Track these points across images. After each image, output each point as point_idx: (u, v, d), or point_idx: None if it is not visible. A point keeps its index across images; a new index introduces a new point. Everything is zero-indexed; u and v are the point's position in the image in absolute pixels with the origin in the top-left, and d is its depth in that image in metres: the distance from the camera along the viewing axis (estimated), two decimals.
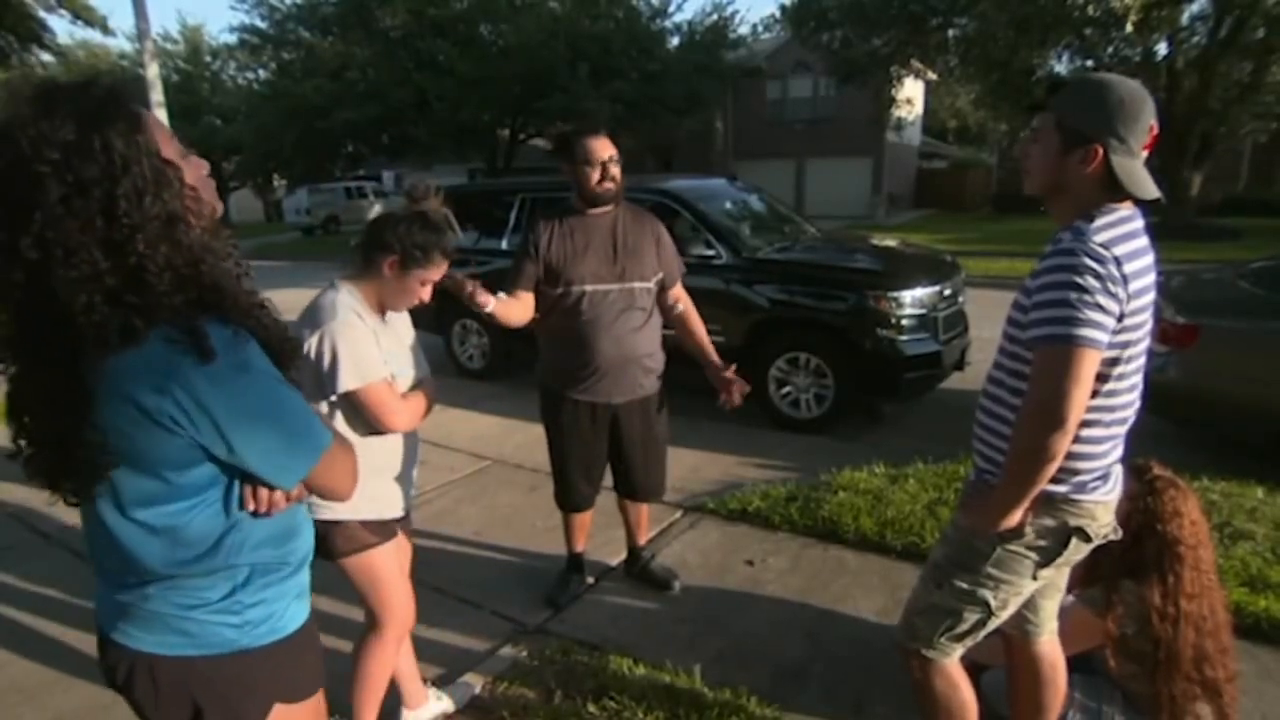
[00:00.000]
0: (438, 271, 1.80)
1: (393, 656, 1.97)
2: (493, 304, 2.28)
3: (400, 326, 1.90)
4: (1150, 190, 1.39)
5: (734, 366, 2.60)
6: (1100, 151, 1.37)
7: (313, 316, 1.71)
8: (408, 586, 1.99)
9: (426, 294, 1.82)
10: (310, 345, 1.67)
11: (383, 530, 1.87)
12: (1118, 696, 1.97)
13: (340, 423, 1.75)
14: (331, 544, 1.78)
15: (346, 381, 1.68)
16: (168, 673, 1.07)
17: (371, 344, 1.72)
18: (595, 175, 2.40)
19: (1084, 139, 1.38)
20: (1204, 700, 1.84)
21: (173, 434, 0.95)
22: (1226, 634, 1.89)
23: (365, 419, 1.75)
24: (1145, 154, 1.41)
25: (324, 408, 1.72)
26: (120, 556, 1.03)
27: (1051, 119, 1.45)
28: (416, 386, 1.88)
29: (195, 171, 1.03)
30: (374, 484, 1.80)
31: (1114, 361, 1.39)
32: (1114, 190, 1.39)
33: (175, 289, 0.94)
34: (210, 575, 1.06)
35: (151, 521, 1.01)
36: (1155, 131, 1.39)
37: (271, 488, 1.06)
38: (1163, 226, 13.52)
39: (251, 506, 1.06)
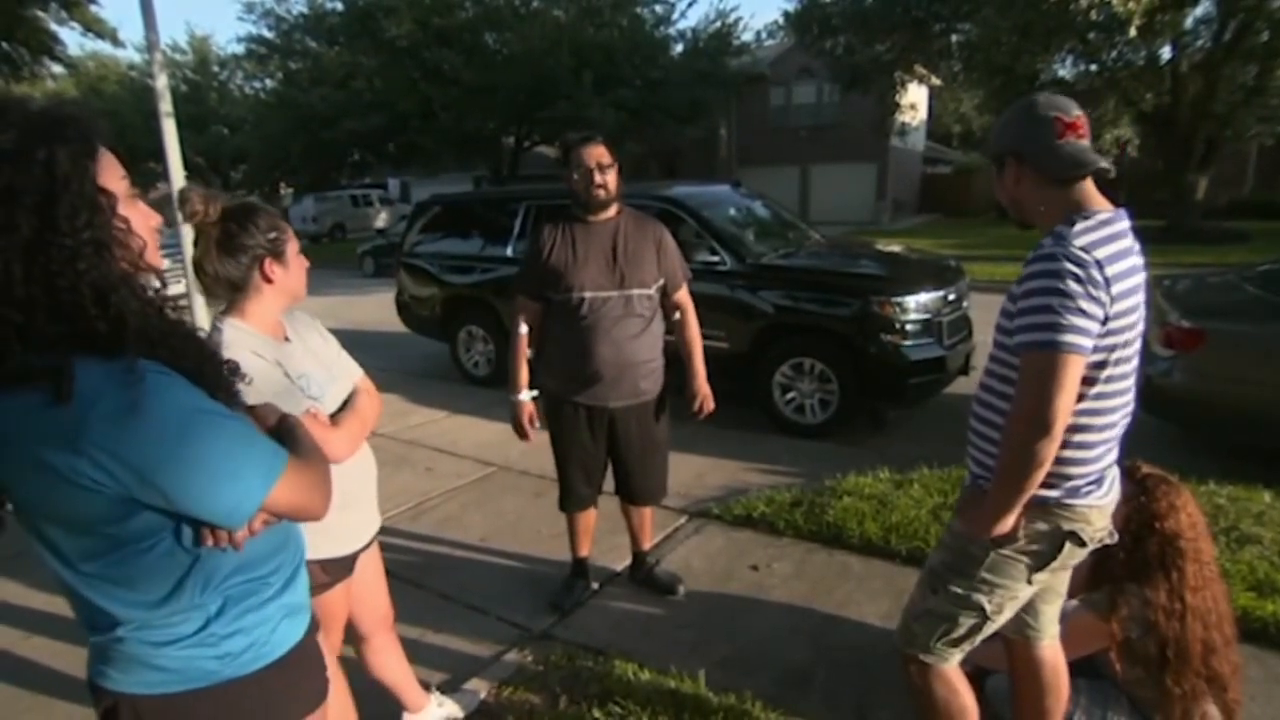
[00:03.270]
0: (292, 234, 1.65)
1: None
2: (525, 395, 2.57)
3: (311, 338, 1.72)
4: (1086, 161, 1.42)
5: (705, 396, 2.73)
6: (1014, 160, 1.48)
7: None
8: (345, 617, 1.84)
9: (301, 257, 1.66)
10: None
11: (341, 568, 1.74)
12: (1123, 701, 1.97)
13: None
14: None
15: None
16: (152, 712, 1.03)
17: (278, 379, 1.53)
18: (585, 181, 2.43)
19: (1002, 157, 1.51)
20: (1211, 695, 1.84)
21: (92, 493, 0.88)
22: (1230, 626, 1.90)
23: None
24: (1074, 139, 1.43)
25: None
26: (83, 605, 0.99)
27: (990, 155, 1.58)
28: (350, 398, 1.70)
29: (144, 221, 1.01)
30: (333, 519, 1.62)
31: (1101, 365, 1.40)
32: (1055, 183, 1.44)
33: (70, 316, 0.88)
34: (180, 614, 1.01)
35: (103, 573, 0.96)
36: (1066, 119, 1.43)
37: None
38: (1168, 230, 13.53)
39: (210, 543, 0.99)
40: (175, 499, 0.92)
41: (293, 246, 1.62)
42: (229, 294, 1.57)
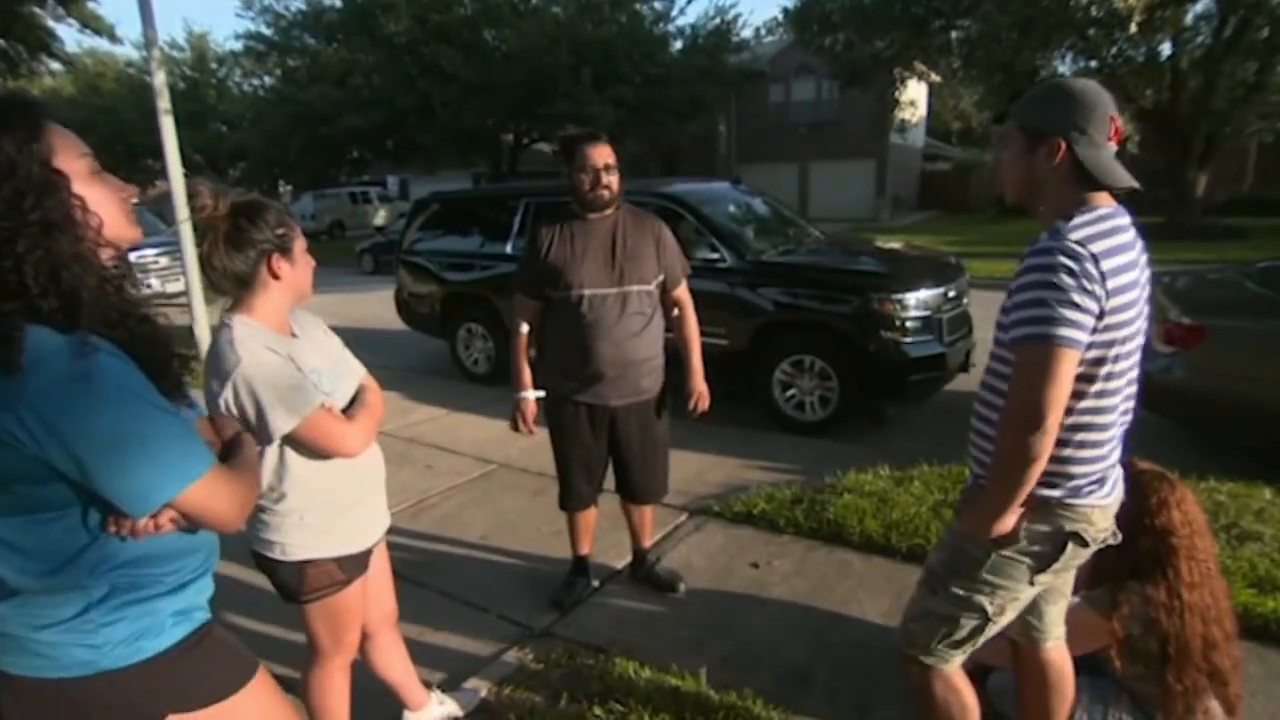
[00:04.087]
0: (300, 231, 1.65)
1: (344, 683, 1.86)
2: (531, 394, 2.58)
3: (317, 335, 1.74)
4: (1123, 178, 1.40)
5: (701, 394, 2.74)
6: (1063, 144, 1.39)
7: (215, 366, 1.50)
8: (362, 615, 1.85)
9: (308, 256, 1.67)
10: (225, 399, 1.48)
11: (356, 565, 1.75)
12: (1124, 698, 1.96)
13: (297, 464, 1.60)
14: (301, 585, 1.67)
15: (280, 424, 1.50)
16: (33, 695, 1.05)
17: (292, 373, 1.53)
18: (590, 182, 2.41)
19: (1046, 135, 1.41)
20: (1212, 691, 1.84)
21: (14, 449, 0.92)
22: (1230, 622, 1.89)
23: (316, 453, 1.60)
24: (1113, 145, 1.42)
25: (272, 455, 1.58)
26: None
27: (1015, 124, 1.48)
28: (358, 394, 1.72)
29: (109, 195, 1.04)
30: (351, 516, 1.71)
31: (1099, 362, 1.38)
32: (1086, 182, 1.40)
33: (16, 294, 0.92)
34: (63, 592, 1.02)
35: (4, 535, 0.98)
36: (1117, 123, 1.41)
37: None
38: (1168, 227, 13.52)
39: (112, 530, 1.01)
40: (90, 472, 0.94)
41: (300, 244, 1.62)
42: (236, 289, 1.57)
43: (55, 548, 1.00)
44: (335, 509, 1.67)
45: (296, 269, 1.60)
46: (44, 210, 0.93)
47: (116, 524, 1.00)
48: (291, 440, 1.56)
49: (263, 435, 1.51)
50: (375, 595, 1.93)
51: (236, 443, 1.19)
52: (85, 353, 0.92)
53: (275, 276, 1.56)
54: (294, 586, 1.68)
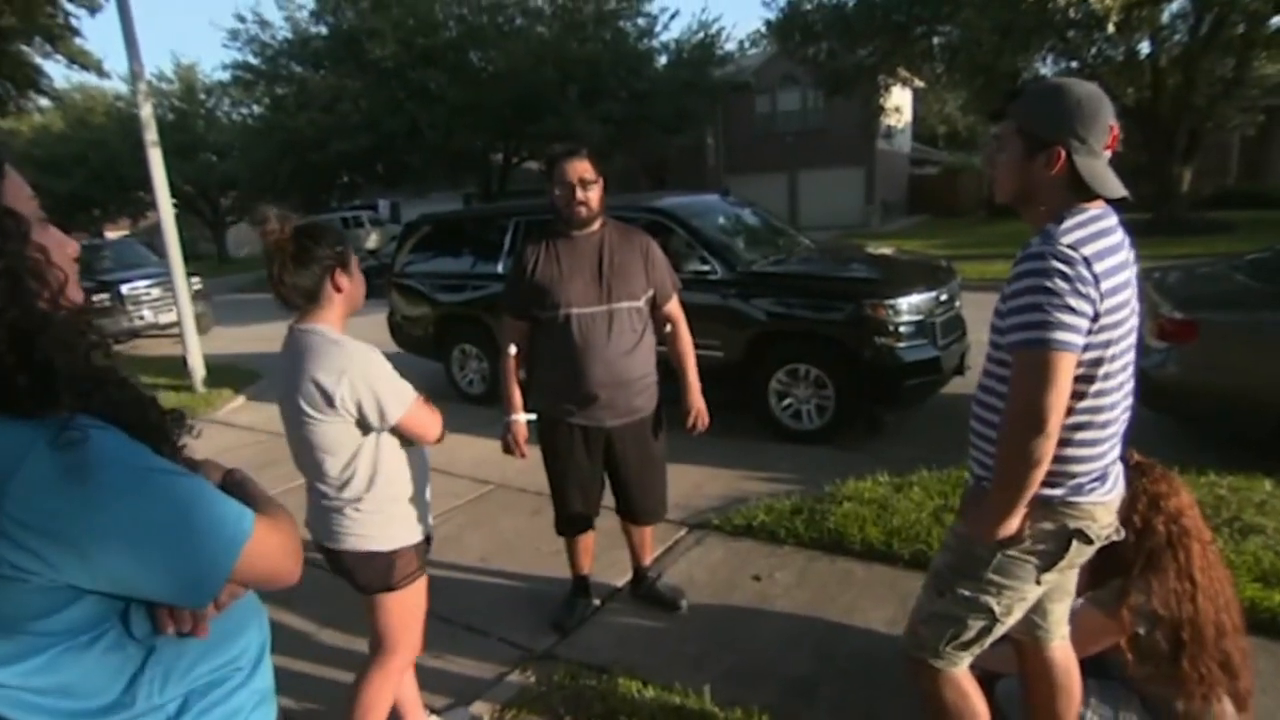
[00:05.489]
0: (352, 249, 1.80)
1: (396, 686, 1.94)
2: (522, 416, 2.51)
3: None
4: (1116, 189, 1.40)
5: (700, 411, 2.70)
6: (1063, 153, 1.38)
7: (323, 363, 1.63)
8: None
9: (359, 271, 1.82)
10: (342, 393, 1.62)
11: (424, 552, 1.90)
12: (1135, 700, 1.94)
13: (388, 456, 1.76)
14: (392, 573, 1.80)
15: (395, 411, 1.69)
16: None
17: (391, 368, 1.72)
18: (566, 197, 2.39)
19: (1046, 142, 1.40)
20: (1224, 684, 1.83)
21: (17, 583, 0.72)
22: (1236, 612, 1.90)
23: (407, 441, 1.78)
24: (1108, 153, 1.41)
25: (368, 451, 1.72)
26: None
27: (1013, 126, 1.46)
28: None
29: (60, 249, 0.86)
30: (418, 505, 1.86)
31: (1097, 362, 1.39)
32: (1081, 191, 1.40)
33: None
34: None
35: (26, 683, 0.76)
36: (1115, 131, 1.40)
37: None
38: (1156, 222, 13.60)
39: (171, 630, 0.83)
40: (127, 578, 0.76)
41: (354, 260, 1.77)
42: (305, 303, 1.72)
43: (104, 676, 0.80)
44: (411, 498, 1.83)
45: (355, 282, 1.76)
46: (6, 257, 0.75)
47: (175, 621, 0.82)
48: (395, 429, 1.73)
49: (381, 423, 1.68)
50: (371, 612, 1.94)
51: (236, 483, 0.97)
52: (71, 440, 0.73)
53: (338, 289, 1.71)
54: (387, 576, 1.80)
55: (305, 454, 1.73)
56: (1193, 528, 1.87)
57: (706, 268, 4.89)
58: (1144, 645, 1.87)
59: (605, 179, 2.46)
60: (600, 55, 17.83)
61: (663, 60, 20.16)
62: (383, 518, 1.77)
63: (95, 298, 9.68)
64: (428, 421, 1.77)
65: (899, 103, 18.91)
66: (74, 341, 0.80)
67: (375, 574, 1.80)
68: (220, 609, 0.87)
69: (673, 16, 25.61)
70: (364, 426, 1.69)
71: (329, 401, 1.62)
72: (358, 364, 1.64)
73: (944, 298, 4.67)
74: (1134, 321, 1.44)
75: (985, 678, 1.90)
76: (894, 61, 15.94)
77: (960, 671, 1.65)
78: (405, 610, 1.87)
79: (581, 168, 2.37)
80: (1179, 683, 1.83)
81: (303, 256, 1.66)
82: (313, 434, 1.67)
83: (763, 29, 18.38)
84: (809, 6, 16.01)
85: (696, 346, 2.75)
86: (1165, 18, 13.24)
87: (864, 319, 4.39)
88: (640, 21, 19.53)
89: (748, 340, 4.76)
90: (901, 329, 4.37)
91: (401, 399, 1.69)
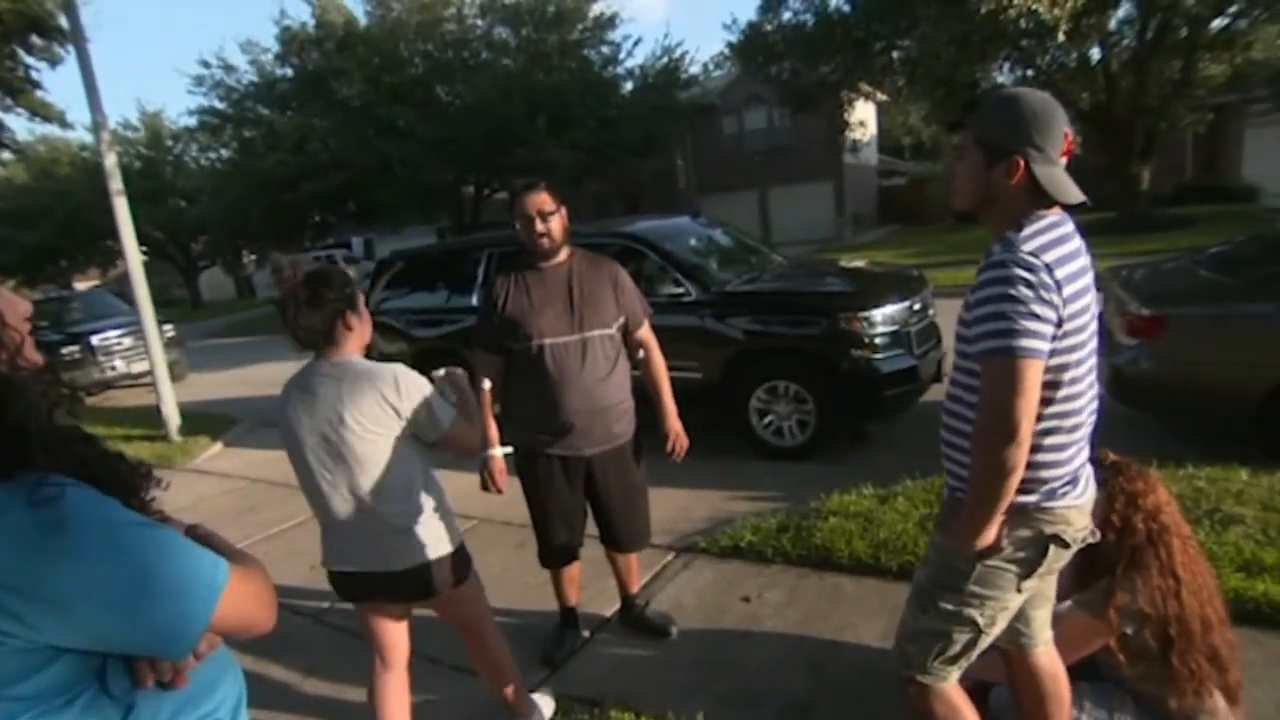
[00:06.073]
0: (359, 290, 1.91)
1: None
2: (499, 450, 2.51)
3: None
4: (1075, 194, 1.42)
5: (678, 434, 2.69)
6: (1022, 163, 1.40)
7: (374, 379, 1.77)
8: None
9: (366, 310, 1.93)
10: (400, 404, 1.77)
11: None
12: (1128, 701, 1.94)
13: (428, 465, 1.90)
14: (464, 564, 1.99)
15: (445, 419, 1.83)
16: None
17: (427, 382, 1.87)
18: (529, 231, 2.39)
19: (1005, 152, 1.42)
20: (1214, 679, 1.83)
21: None
22: (1220, 604, 1.91)
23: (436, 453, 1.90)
24: (1064, 160, 1.44)
25: (414, 464, 1.85)
26: None
27: (971, 136, 1.48)
28: None
29: (12, 309, 0.89)
30: (445, 515, 1.98)
31: (1063, 367, 1.40)
32: (1041, 198, 1.42)
33: None
34: None
35: None
36: (1070, 137, 1.43)
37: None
38: (1119, 221, 13.92)
39: (150, 683, 0.83)
40: (109, 632, 0.76)
41: (362, 300, 1.88)
42: (324, 343, 1.82)
43: None
44: (444, 495, 1.99)
45: (364, 321, 1.87)
46: None
47: (155, 673, 0.84)
48: (424, 445, 1.88)
49: (434, 429, 1.83)
50: (400, 629, 2.10)
51: (201, 537, 0.97)
52: (49, 496, 0.74)
53: (349, 328, 1.82)
54: (460, 569, 1.98)
55: (361, 479, 1.80)
56: (1171, 524, 1.88)
57: (681, 290, 4.89)
58: (1134, 645, 1.87)
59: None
60: (567, 85, 17.99)
61: (629, 86, 20.39)
62: (442, 519, 1.94)
63: (65, 350, 9.53)
64: (470, 431, 1.93)
65: (863, 116, 19.24)
66: (36, 402, 0.81)
67: (448, 573, 1.94)
68: (199, 659, 0.89)
69: (636, 43, 26.13)
70: (419, 437, 1.84)
71: (396, 412, 1.77)
72: (407, 376, 1.80)
73: (917, 306, 4.72)
74: (1095, 325, 1.46)
75: (977, 688, 1.89)
76: (856, 77, 16.25)
77: (950, 686, 1.64)
78: (476, 586, 2.08)
79: (540, 200, 2.37)
80: (1170, 680, 1.83)
81: (315, 300, 1.76)
82: (375, 451, 1.78)
83: (726, 51, 18.66)
84: (770, 28, 16.30)
85: (674, 369, 2.75)
86: (1113, 24, 13.67)
87: (840, 332, 4.42)
88: (604, 49, 19.75)
89: (725, 360, 4.77)
90: (877, 340, 4.41)
91: (445, 409, 1.85)
